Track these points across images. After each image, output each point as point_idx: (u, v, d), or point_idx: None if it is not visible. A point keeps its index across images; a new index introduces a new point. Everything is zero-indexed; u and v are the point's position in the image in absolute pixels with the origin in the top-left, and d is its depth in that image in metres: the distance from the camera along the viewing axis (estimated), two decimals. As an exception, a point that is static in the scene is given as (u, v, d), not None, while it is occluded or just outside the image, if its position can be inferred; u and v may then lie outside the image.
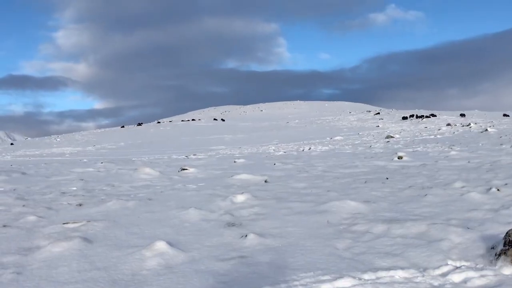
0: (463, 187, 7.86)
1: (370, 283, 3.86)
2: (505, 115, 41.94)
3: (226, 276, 4.11)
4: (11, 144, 43.43)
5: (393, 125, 41.15)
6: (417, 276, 3.99)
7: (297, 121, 55.94)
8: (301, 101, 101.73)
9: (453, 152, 15.01)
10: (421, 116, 45.87)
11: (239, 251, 4.84)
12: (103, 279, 4.12)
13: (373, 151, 18.28)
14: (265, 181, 9.90)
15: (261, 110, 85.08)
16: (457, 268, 4.11)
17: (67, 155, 26.03)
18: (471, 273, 3.97)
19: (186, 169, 12.39)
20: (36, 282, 4.08)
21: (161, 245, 4.77)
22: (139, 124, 63.47)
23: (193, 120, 67.25)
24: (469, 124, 31.54)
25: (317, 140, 28.76)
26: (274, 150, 22.69)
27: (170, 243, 4.88)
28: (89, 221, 6.13)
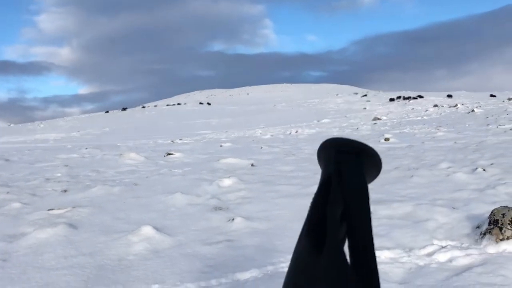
0: (449, 167, 7.91)
1: (357, 264, 3.87)
2: (491, 95, 42.23)
3: (213, 260, 4.10)
4: (-6, 130, 42.92)
5: (380, 107, 41.27)
6: (403, 256, 4.01)
7: (284, 104, 55.89)
8: (288, 84, 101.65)
9: (439, 133, 15.10)
10: (408, 98, 46.04)
11: (226, 234, 4.83)
12: (90, 264, 4.09)
13: (360, 133, 18.34)
14: (252, 165, 9.88)
15: (248, 94, 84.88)
16: (442, 247, 4.14)
17: (51, 141, 25.80)
18: (456, 252, 3.99)
19: (172, 154, 12.33)
20: (22, 268, 4.04)
21: (147, 230, 4.74)
22: (124, 109, 63.04)
23: (178, 104, 66.92)
24: (456, 105, 31.74)
25: (304, 123, 28.77)
26: (261, 133, 22.67)
27: (156, 228, 4.86)
28: (74, 207, 6.08)
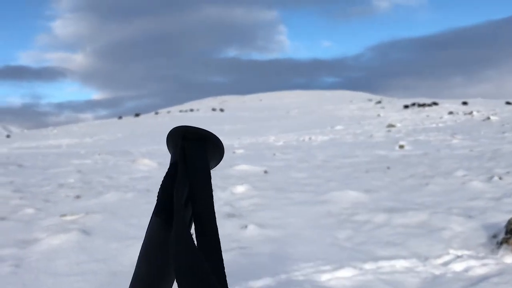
0: (464, 175, 7.82)
1: (371, 273, 3.82)
2: (508, 103, 41.79)
3: (226, 267, 4.05)
4: (7, 136, 43.31)
5: (394, 114, 41.03)
6: (419, 266, 3.95)
7: (297, 110, 55.84)
8: (301, 91, 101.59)
9: (455, 141, 14.97)
10: (423, 105, 45.72)
11: (239, 242, 4.80)
12: (102, 271, 4.09)
13: (374, 140, 18.24)
14: (265, 172, 9.85)
15: (261, 100, 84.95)
16: (458, 257, 4.08)
17: (64, 147, 25.98)
18: (472, 262, 3.93)
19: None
20: (35, 274, 4.04)
21: (160, 237, 4.73)
22: (137, 115, 63.38)
23: (191, 110, 67.14)
24: (471, 112, 31.46)
25: (318, 130, 28.69)
26: (274, 140, 22.64)
27: (169, 235, 4.84)
28: (87, 213, 6.09)
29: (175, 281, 0.52)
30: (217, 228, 0.58)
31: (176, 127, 0.65)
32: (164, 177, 0.62)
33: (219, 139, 0.66)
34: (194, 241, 0.54)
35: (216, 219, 0.58)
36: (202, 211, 0.59)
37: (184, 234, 0.53)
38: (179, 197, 0.58)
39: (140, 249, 0.62)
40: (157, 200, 0.61)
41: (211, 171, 0.64)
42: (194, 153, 0.63)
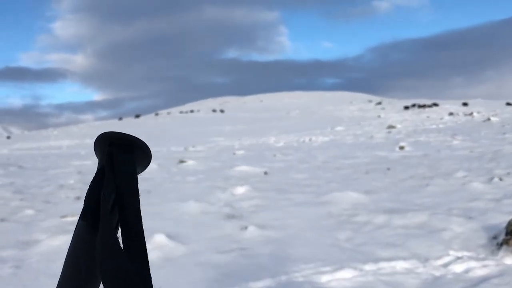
0: (465, 176, 7.82)
1: (371, 274, 3.82)
2: (508, 104, 41.75)
3: (226, 268, 4.08)
4: (8, 137, 43.28)
5: (394, 115, 41.01)
6: (419, 267, 3.95)
7: (297, 111, 55.82)
8: (302, 92, 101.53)
9: (455, 142, 14.96)
10: (423, 106, 45.69)
11: (239, 243, 4.80)
12: (102, 272, 4.09)
13: (374, 141, 18.23)
14: (265, 173, 9.85)
15: (261, 101, 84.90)
16: (458, 258, 4.08)
17: (64, 148, 25.97)
18: (472, 263, 3.93)
19: (185, 161, 12.34)
20: (35, 275, 4.05)
21: (160, 238, 4.73)
22: (137, 116, 63.36)
23: (191, 111, 67.12)
24: (472, 113, 31.44)
25: (318, 131, 28.68)
26: (274, 141, 22.64)
27: (169, 236, 4.84)
28: (88, 214, 6.09)
29: (101, 284, 0.53)
30: (144, 232, 0.59)
31: (104, 133, 0.65)
32: (91, 182, 0.63)
33: (146, 145, 0.66)
34: (120, 244, 0.54)
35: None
36: (129, 216, 0.60)
37: (110, 238, 0.54)
38: (106, 202, 0.58)
39: (68, 247, 0.62)
40: (84, 204, 0.62)
41: (137, 175, 0.65)
42: (121, 159, 0.63)
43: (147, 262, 0.57)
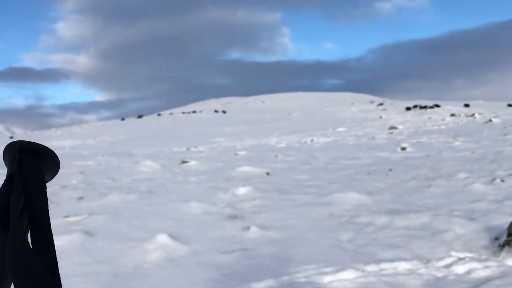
0: (467, 178, 7.82)
1: (373, 275, 3.83)
2: (510, 105, 41.69)
3: (228, 269, 4.09)
4: (11, 137, 43.33)
5: (396, 116, 40.99)
6: (421, 268, 3.96)
7: (299, 112, 55.80)
8: (303, 93, 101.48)
9: (457, 143, 14.96)
10: (425, 107, 45.66)
11: (241, 243, 4.81)
12: (105, 272, 4.10)
13: (376, 142, 18.23)
14: (267, 174, 9.86)
15: (263, 102, 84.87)
16: (460, 259, 4.08)
17: (67, 148, 26.01)
18: (474, 264, 3.94)
19: (187, 162, 12.35)
20: (37, 276, 4.06)
21: (163, 238, 4.74)
22: (140, 117, 63.40)
23: (194, 112, 67.13)
24: (473, 114, 31.42)
25: (320, 132, 28.68)
26: (276, 142, 22.64)
27: (172, 236, 4.86)
28: (90, 215, 6.11)
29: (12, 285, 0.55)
30: (52, 235, 0.61)
31: (14, 141, 0.66)
32: (1, 187, 0.64)
33: (55, 153, 0.68)
34: (29, 245, 0.56)
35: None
36: (37, 219, 0.61)
37: (20, 240, 0.56)
38: (15, 206, 0.60)
39: None
40: None
41: (45, 182, 0.66)
42: (30, 166, 0.65)
43: (56, 260, 0.59)
